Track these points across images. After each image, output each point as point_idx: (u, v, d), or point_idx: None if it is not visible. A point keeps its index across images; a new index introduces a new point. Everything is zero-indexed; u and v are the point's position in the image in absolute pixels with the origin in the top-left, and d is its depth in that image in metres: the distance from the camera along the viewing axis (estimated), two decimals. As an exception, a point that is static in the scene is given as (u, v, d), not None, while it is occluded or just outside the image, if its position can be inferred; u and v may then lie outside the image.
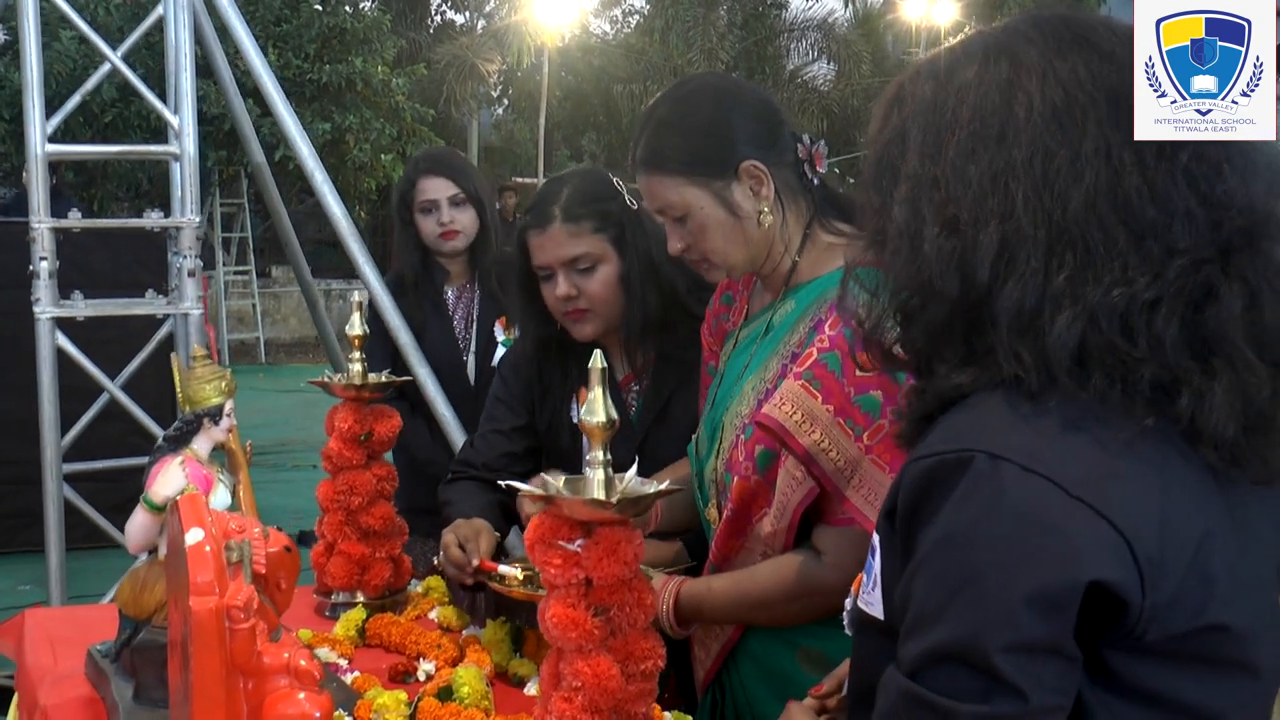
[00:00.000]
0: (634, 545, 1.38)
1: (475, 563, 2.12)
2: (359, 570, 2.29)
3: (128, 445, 4.01)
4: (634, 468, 1.47)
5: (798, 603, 1.80)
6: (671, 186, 1.88)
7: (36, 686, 1.94)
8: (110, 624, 1.88)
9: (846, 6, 22.78)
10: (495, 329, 3.37)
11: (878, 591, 1.14)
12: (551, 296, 2.35)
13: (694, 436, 2.09)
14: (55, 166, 7.86)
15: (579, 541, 1.39)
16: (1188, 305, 1.03)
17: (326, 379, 2.32)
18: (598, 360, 1.40)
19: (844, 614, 1.26)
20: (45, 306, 3.52)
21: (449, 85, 17.62)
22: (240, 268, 15.56)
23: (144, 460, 1.86)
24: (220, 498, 1.77)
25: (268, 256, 17.01)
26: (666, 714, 1.79)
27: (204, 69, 4.34)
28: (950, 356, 1.11)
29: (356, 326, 2.29)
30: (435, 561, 2.24)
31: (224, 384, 1.80)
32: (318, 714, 1.43)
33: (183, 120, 3.63)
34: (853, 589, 1.21)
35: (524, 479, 1.70)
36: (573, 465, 2.39)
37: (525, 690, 1.96)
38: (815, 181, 1.93)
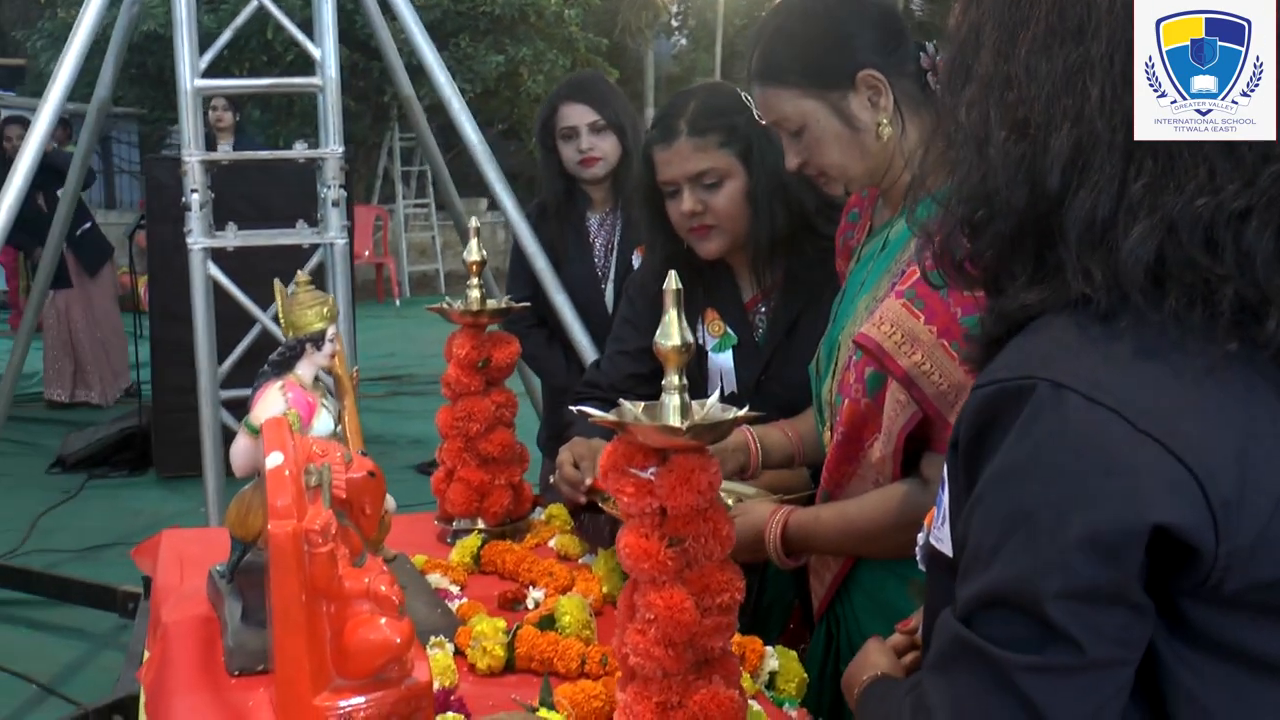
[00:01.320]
0: (709, 473, 1.32)
1: (588, 482, 2.09)
2: (478, 497, 2.28)
3: (286, 374, 4.10)
4: (715, 394, 1.41)
5: (905, 534, 1.69)
6: (786, 98, 1.81)
7: (161, 604, 2.00)
8: (236, 546, 1.92)
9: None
10: (634, 257, 3.32)
11: (947, 527, 1.06)
12: (677, 212, 2.30)
13: (814, 356, 2.02)
14: (240, 104, 8.16)
15: (652, 469, 1.34)
16: None
17: (446, 305, 2.31)
18: (672, 281, 1.33)
19: (916, 549, 1.18)
20: (197, 237, 3.62)
21: (623, 15, 17.52)
22: (420, 200, 15.85)
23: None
24: (323, 423, 1.77)
25: (447, 190, 17.31)
26: (769, 648, 1.74)
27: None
28: (1019, 274, 1.01)
29: (475, 252, 2.27)
30: (550, 480, 2.23)
31: (326, 309, 1.79)
32: (398, 639, 1.43)
33: (325, 52, 3.66)
34: (925, 523, 1.14)
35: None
36: (699, 388, 2.33)
37: (632, 620, 1.93)
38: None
